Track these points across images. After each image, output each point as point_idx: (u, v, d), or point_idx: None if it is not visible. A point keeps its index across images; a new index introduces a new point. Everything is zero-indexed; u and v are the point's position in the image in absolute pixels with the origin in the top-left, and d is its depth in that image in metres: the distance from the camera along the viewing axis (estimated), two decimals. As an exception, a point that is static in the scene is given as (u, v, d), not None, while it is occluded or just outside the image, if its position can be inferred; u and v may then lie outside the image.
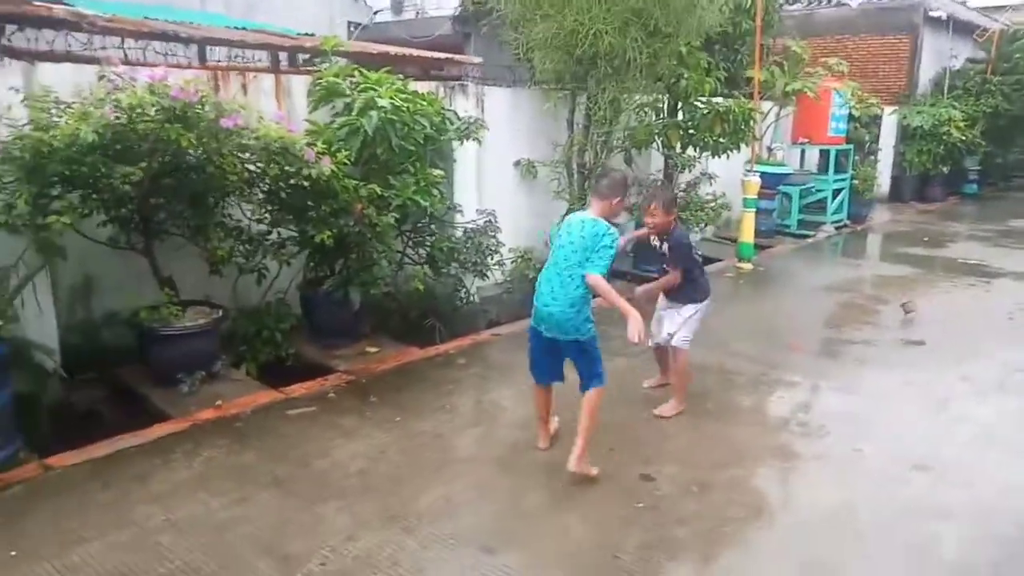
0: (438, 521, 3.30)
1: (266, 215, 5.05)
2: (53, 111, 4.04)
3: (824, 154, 11.67)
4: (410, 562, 2.99)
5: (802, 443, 4.19)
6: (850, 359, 5.68)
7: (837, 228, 11.56)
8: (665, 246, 4.51)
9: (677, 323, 4.55)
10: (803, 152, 11.98)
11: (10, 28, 4.88)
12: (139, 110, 4.00)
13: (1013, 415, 4.62)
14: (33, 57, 4.60)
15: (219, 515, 3.28)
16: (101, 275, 4.91)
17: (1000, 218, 13.10)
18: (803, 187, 11.37)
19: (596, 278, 3.50)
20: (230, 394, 4.54)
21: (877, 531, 3.31)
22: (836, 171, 11.55)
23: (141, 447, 3.85)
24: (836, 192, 11.62)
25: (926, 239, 9.54)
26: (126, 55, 5.33)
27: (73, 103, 4.08)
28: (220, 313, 4.87)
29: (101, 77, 4.22)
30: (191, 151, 4.28)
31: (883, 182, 14.14)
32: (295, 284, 5.62)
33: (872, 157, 13.42)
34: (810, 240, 10.88)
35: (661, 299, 4.70)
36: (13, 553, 2.92)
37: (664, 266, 4.60)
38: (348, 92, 5.30)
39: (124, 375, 4.76)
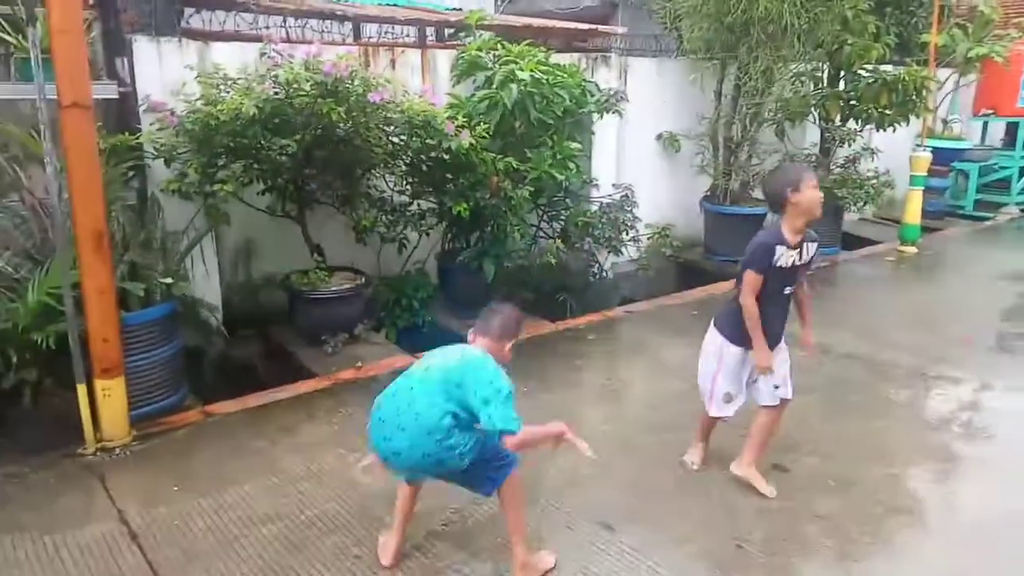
0: (559, 494, 3.31)
1: (407, 187, 5.23)
2: (221, 87, 4.37)
3: (1011, 127, 10.42)
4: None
5: (963, 445, 3.81)
6: (1028, 356, 5.08)
7: (1023, 210, 10.32)
8: (809, 250, 3.24)
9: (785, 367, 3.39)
10: (985, 125, 10.76)
11: (188, 11, 5.33)
12: (295, 85, 4.24)
13: None
14: (206, 37, 5.01)
15: (354, 469, 3.47)
16: (260, 241, 5.30)
17: None
18: (983, 164, 10.23)
19: (515, 439, 2.47)
20: (370, 356, 4.78)
21: (1047, 549, 2.96)
22: (1024, 146, 10.29)
23: (289, 401, 4.15)
24: (1023, 171, 10.36)
25: None
26: (287, 33, 5.68)
27: (238, 79, 4.39)
28: (363, 280, 5.12)
29: (263, 54, 4.52)
30: (341, 124, 4.49)
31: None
32: (433, 255, 5.81)
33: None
34: (988, 223, 9.80)
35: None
36: (176, 488, 3.26)
37: (790, 285, 3.24)
38: (489, 65, 5.35)
39: (277, 334, 5.13)
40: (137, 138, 4.23)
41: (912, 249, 8.02)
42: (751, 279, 3.15)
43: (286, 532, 2.97)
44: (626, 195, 6.28)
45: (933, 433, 3.94)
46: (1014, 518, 3.17)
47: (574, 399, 4.31)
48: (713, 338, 3.39)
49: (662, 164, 7.68)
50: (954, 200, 10.28)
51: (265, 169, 4.59)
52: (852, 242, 8.38)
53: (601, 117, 6.23)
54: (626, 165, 7.00)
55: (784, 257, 3.13)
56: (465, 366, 2.53)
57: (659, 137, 7.61)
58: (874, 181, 7.63)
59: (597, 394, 4.41)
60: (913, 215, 8.00)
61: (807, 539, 3.00)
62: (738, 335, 3.26)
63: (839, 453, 3.69)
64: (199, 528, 2.98)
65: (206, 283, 4.80)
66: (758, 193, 7.67)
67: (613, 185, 6.40)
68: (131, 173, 4.40)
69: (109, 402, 3.51)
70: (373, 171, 5.15)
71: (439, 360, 2.62)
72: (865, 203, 7.74)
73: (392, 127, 4.73)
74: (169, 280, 3.98)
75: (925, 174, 7.98)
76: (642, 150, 7.39)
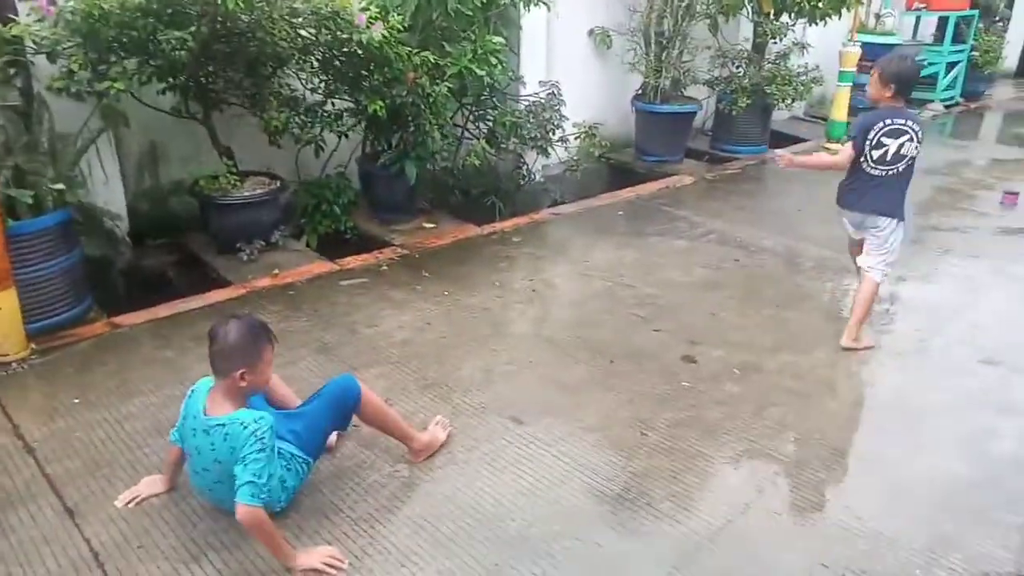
0: (473, 391, 3.35)
1: (321, 85, 4.98)
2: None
3: (943, 21, 10.44)
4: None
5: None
6: (935, 247, 5.27)
7: (947, 107, 10.50)
8: None
9: (874, 245, 3.72)
10: (918, 20, 10.76)
11: None
12: (186, -28, 3.92)
13: (1113, 312, 4.21)
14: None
15: (267, 375, 3.44)
16: (166, 144, 5.03)
17: None
18: (913, 60, 10.27)
19: (249, 514, 2.19)
20: (287, 264, 4.67)
21: (929, 422, 3.15)
22: (954, 41, 10.35)
23: (200, 310, 4.04)
24: (950, 66, 10.46)
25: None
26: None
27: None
28: (279, 184, 4.94)
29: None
30: (241, 15, 4.19)
31: (1010, 54, 12.57)
32: (355, 158, 5.62)
33: (1000, 24, 11.91)
34: (915, 120, 9.94)
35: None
36: (76, 400, 3.17)
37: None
38: (403, -48, 5.02)
39: (190, 242, 4.96)
40: (11, 30, 3.88)
41: (837, 146, 8.04)
42: None
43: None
44: (553, 93, 6.12)
45: (836, 322, 4.08)
46: (903, 397, 3.35)
47: (496, 300, 4.31)
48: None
49: (594, 61, 7.49)
50: (883, 97, 10.35)
51: (162, 66, 4.28)
52: (781, 140, 8.42)
53: (528, 10, 5.96)
54: (556, 62, 6.79)
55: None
56: (220, 459, 2.28)
57: (591, 33, 7.39)
58: (803, 77, 7.59)
59: (519, 295, 4.42)
60: (840, 112, 8.05)
61: (709, 424, 3.13)
62: None
63: (746, 343, 3.81)
64: (100, 439, 2.92)
65: (107, 190, 4.56)
66: (690, 91, 7.59)
67: (540, 83, 6.22)
68: (12, 71, 4.06)
69: (0, 315, 3.36)
70: (283, 68, 4.87)
71: (196, 459, 2.39)
72: (794, 100, 7.73)
73: (299, 19, 4.44)
74: (61, 186, 3.74)
75: (854, 70, 7.98)
76: (573, 46, 7.17)
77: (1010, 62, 12.84)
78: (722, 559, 2.40)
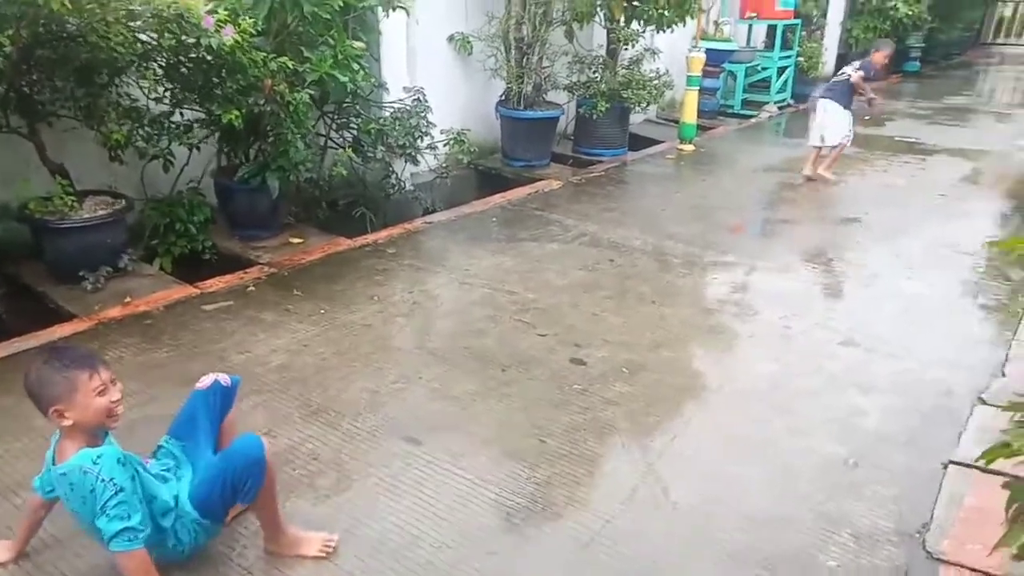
0: (363, 414, 3.18)
1: (166, 94, 4.58)
2: None
3: (771, 29, 11.33)
4: (330, 455, 2.89)
5: (734, 323, 4.18)
6: (785, 238, 5.67)
7: (780, 108, 11.39)
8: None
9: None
10: (751, 28, 11.60)
11: None
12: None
13: (939, 291, 4.68)
14: None
15: (127, 415, 3.08)
16: (-16, 164, 4.44)
17: (937, 96, 13.14)
18: (749, 65, 11.08)
19: (129, 561, 1.98)
20: (141, 291, 4.26)
21: (802, 405, 3.34)
22: (782, 48, 11.26)
23: (41, 348, 3.58)
24: (781, 71, 11.37)
25: (867, 117, 9.51)
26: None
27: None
28: (124, 204, 4.50)
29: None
30: (68, 18, 3.77)
31: (828, 60, 13.87)
32: (209, 172, 5.23)
33: (818, 32, 13.10)
34: (753, 120, 10.72)
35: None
36: None
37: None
38: (252, -48, 4.72)
39: (23, 273, 4.41)
40: None
41: (690, 147, 8.57)
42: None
43: (45, 497, 2.57)
44: (418, 99, 6.01)
45: (708, 315, 4.27)
46: (776, 383, 3.54)
47: (376, 316, 4.15)
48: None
49: (456, 67, 7.45)
50: (724, 100, 11.09)
51: (-27, 74, 3.78)
52: (638, 142, 8.78)
53: (387, 15, 5.82)
54: (418, 68, 6.68)
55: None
56: (79, 509, 2.02)
57: (451, 39, 7.35)
58: (656, 82, 7.94)
59: (400, 309, 4.28)
60: (690, 114, 8.51)
61: (603, 424, 3.15)
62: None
63: (629, 342, 3.89)
64: (-74, 509, 2.50)
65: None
66: (552, 96, 7.73)
67: (404, 89, 6.09)
68: None
69: None
70: (121, 76, 4.44)
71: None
72: (648, 103, 8.07)
73: (138, 22, 4.07)
74: None
75: (700, 74, 8.46)
76: (434, 52, 7.10)
77: (828, 67, 14.16)
78: (626, 557, 2.41)
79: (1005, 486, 1.78)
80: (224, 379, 2.47)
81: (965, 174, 7.72)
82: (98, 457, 1.98)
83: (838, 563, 2.42)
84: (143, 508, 2.02)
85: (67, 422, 2.02)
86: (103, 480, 1.95)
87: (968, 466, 2.85)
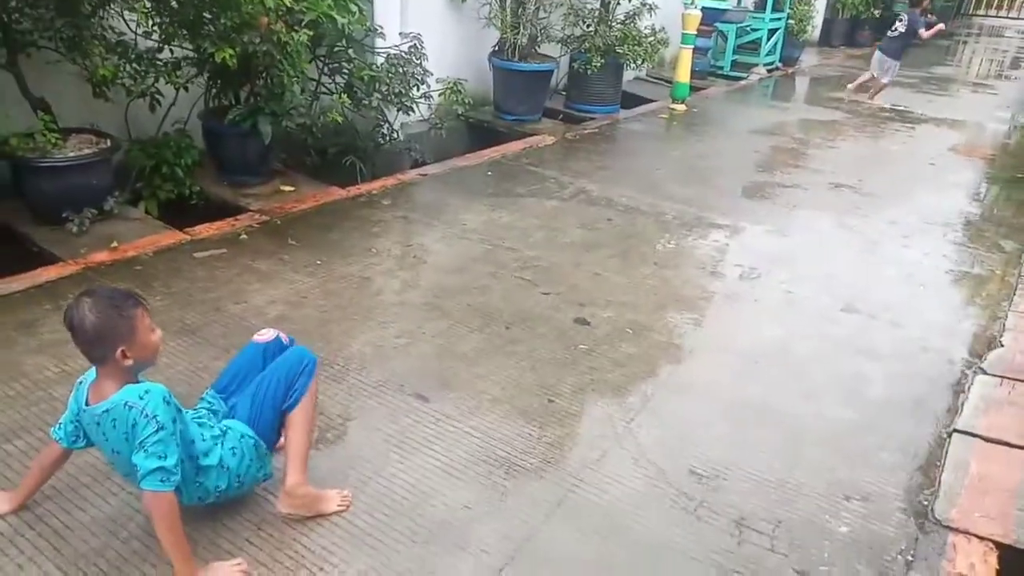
0: (367, 368, 3.12)
1: (155, 28, 4.34)
2: None
3: (763, -10, 11.16)
4: (337, 411, 2.83)
5: (737, 286, 4.16)
6: (782, 202, 5.65)
7: (769, 71, 11.30)
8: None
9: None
10: (743, -13, 11.41)
11: None
12: None
13: (935, 260, 4.72)
14: None
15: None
16: (-41, 96, 4.19)
17: (924, 65, 13.16)
18: (740, 25, 10.93)
19: (157, 501, 1.91)
20: (127, 235, 4.10)
21: (809, 370, 3.35)
22: (773, 9, 11.11)
23: (25, 292, 3.44)
24: (771, 32, 11.24)
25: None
26: None
27: None
28: (109, 143, 4.29)
29: None
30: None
31: (815, 25, 13.79)
32: (196, 113, 5.02)
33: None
34: (742, 82, 10.63)
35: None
36: None
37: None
38: None
39: (2, 212, 4.20)
40: None
41: (682, 107, 8.47)
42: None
43: (39, 446, 2.47)
44: (415, 45, 5.80)
45: (710, 277, 4.25)
46: (782, 347, 3.54)
47: (375, 268, 4.05)
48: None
49: (449, 15, 7.20)
50: (714, 60, 10.96)
51: (-51, -1, 3.53)
52: (628, 100, 8.65)
53: (382, -45, 5.58)
54: (411, 14, 6.44)
55: None
56: (119, 449, 1.96)
57: (445, -17, 7.09)
58: (651, 38, 7.79)
59: (399, 262, 4.19)
60: (684, 74, 8.40)
61: (611, 385, 3.13)
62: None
63: (633, 303, 3.86)
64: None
65: None
66: (546, 48, 7.53)
67: (401, 34, 5.87)
68: None
69: None
70: (108, 7, 4.20)
71: (105, 446, 2.02)
72: (643, 60, 7.92)
73: (126, -51, 3.83)
74: None
75: (695, 32, 8.32)
76: (427, -2, 6.84)
77: (815, 32, 14.08)
78: (635, 520, 2.40)
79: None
80: (284, 336, 2.40)
81: (953, 143, 7.76)
82: (145, 392, 1.92)
83: (849, 528, 2.44)
84: (179, 452, 1.95)
85: (128, 362, 1.94)
86: (147, 415, 1.89)
87: (972, 435, 2.89)
